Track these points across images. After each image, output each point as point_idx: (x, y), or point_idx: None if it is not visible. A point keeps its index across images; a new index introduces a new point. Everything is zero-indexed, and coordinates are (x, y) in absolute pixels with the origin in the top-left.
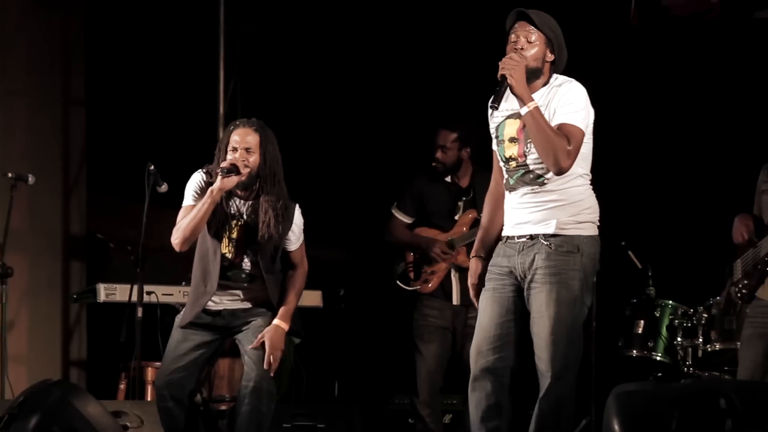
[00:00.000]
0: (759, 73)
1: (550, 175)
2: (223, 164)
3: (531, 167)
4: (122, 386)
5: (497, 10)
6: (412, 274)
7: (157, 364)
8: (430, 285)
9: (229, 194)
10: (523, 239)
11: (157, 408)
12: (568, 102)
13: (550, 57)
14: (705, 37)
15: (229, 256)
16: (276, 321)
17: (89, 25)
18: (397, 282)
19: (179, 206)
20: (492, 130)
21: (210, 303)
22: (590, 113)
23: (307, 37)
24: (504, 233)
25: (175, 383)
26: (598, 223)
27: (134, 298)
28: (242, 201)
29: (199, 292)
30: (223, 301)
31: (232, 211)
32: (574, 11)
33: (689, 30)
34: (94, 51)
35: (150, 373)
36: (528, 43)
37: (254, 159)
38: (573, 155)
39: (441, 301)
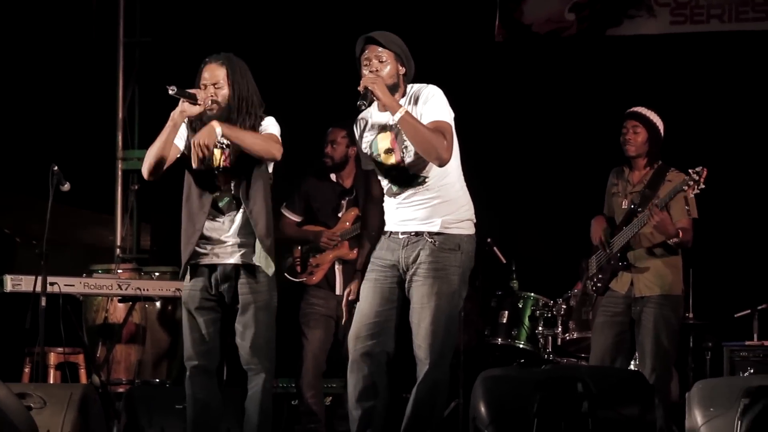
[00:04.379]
0: (612, 84)
1: (429, 174)
2: (187, 90)
3: (411, 171)
4: (27, 370)
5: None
6: (299, 268)
7: (60, 349)
8: (314, 277)
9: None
10: (408, 235)
11: (186, 384)
12: (430, 102)
13: (402, 70)
14: (563, 51)
15: (219, 185)
16: (213, 122)
17: None
18: (285, 275)
19: (82, 204)
20: (366, 150)
21: (202, 254)
22: (452, 111)
23: (200, 48)
24: (387, 229)
25: (204, 356)
26: (475, 220)
27: (38, 288)
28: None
29: (189, 233)
30: (214, 251)
31: (215, 142)
32: (443, 29)
33: (548, 45)
34: None
35: (53, 358)
36: (380, 63)
37: (223, 93)
38: (450, 147)
39: (325, 291)
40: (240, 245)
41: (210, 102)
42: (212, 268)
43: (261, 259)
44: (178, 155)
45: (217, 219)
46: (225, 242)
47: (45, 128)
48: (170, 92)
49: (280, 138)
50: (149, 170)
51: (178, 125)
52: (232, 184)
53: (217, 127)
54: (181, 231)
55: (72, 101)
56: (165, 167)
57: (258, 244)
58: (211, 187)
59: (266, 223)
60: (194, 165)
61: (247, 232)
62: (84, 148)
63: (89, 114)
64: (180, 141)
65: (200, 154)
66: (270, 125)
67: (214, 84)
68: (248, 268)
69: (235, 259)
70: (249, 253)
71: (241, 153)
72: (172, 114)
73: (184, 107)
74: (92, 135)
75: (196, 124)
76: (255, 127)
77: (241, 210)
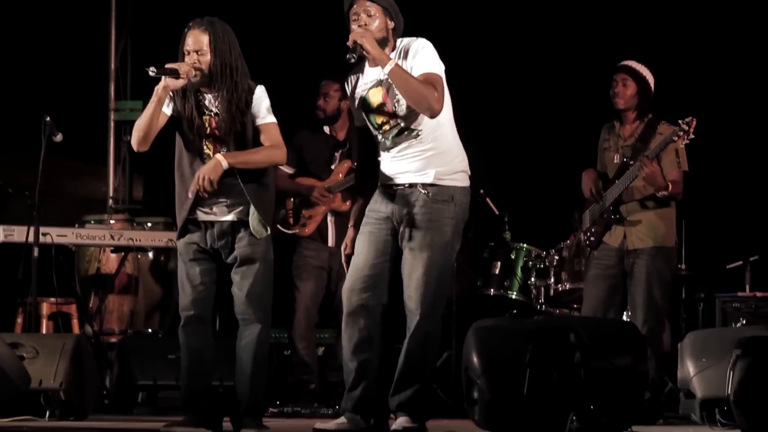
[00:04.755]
0: (605, 35)
1: (422, 126)
2: (167, 65)
3: (403, 124)
4: (19, 320)
5: None
6: (291, 220)
7: (52, 299)
8: (307, 229)
9: (198, 93)
10: (402, 187)
11: (180, 334)
12: (420, 55)
13: (391, 24)
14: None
15: (209, 152)
16: (218, 155)
17: None
18: (278, 226)
19: (73, 155)
20: (357, 106)
21: (197, 212)
22: (442, 64)
23: None
24: (381, 182)
25: (199, 305)
26: (469, 172)
27: (31, 238)
28: (211, 96)
29: (182, 198)
30: (210, 210)
31: (203, 109)
32: None
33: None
34: None
35: (45, 308)
36: (369, 17)
37: (206, 59)
38: (441, 99)
39: (318, 243)
40: (235, 204)
41: (193, 72)
42: (208, 224)
43: (255, 222)
44: (166, 121)
45: None
46: (219, 202)
47: (37, 79)
48: (150, 74)
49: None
50: (137, 143)
51: (163, 100)
52: (222, 151)
53: (222, 162)
54: (175, 194)
55: (64, 52)
56: (153, 137)
57: (252, 208)
58: (201, 151)
59: (258, 189)
60: (190, 195)
61: (241, 190)
62: (76, 99)
63: (81, 65)
64: (166, 108)
65: (203, 189)
66: (261, 100)
67: (197, 51)
68: (245, 224)
69: (230, 216)
70: (245, 210)
71: (230, 121)
72: (156, 89)
73: (167, 82)
74: (84, 86)
75: (187, 91)
76: (241, 98)
77: (235, 175)
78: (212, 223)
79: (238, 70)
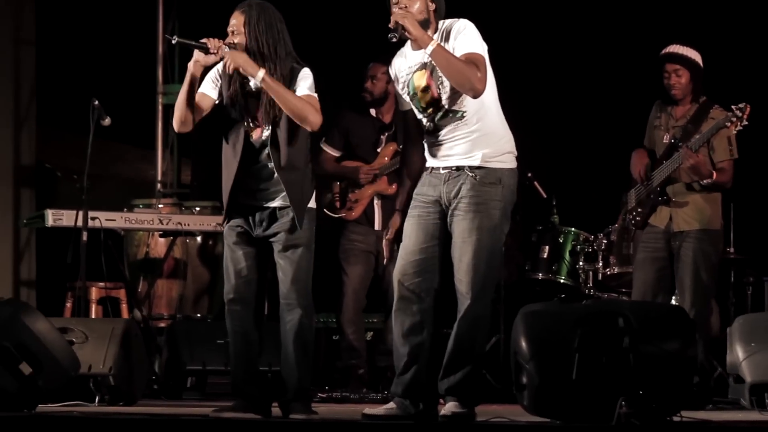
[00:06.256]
0: (649, 14)
1: (467, 108)
2: (200, 41)
3: (448, 106)
4: (68, 305)
5: None
6: (338, 203)
7: (101, 284)
8: (354, 212)
9: (242, 75)
10: (449, 170)
11: (226, 318)
12: (462, 35)
13: (432, 6)
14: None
15: (252, 134)
16: (262, 69)
17: None
18: (325, 210)
19: (122, 138)
20: (402, 90)
21: (242, 196)
22: (484, 44)
23: None
24: (429, 165)
25: (242, 287)
26: (516, 153)
27: (80, 223)
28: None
29: (226, 182)
30: (254, 195)
31: (246, 91)
32: None
33: None
34: None
35: (94, 293)
36: (409, 0)
37: (239, 39)
38: (484, 79)
39: (365, 226)
40: (277, 190)
41: (225, 48)
42: (252, 208)
43: (298, 209)
44: (213, 106)
45: (254, 166)
46: (263, 188)
47: (85, 63)
48: (173, 42)
49: (317, 103)
50: (177, 123)
51: (196, 76)
52: (265, 133)
53: (259, 71)
54: (222, 179)
55: (112, 35)
56: (197, 118)
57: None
58: (244, 134)
59: (300, 181)
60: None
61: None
62: (124, 83)
63: (129, 48)
64: (213, 91)
65: (216, 45)
66: (303, 79)
67: (232, 31)
68: (287, 209)
69: (273, 202)
70: (286, 196)
71: (269, 102)
72: (188, 65)
73: (197, 57)
74: (132, 69)
75: (232, 75)
76: (280, 80)
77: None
78: (255, 208)
79: (274, 52)
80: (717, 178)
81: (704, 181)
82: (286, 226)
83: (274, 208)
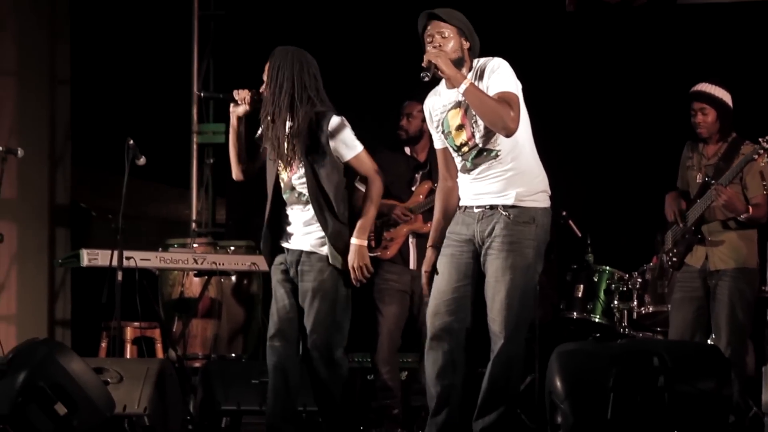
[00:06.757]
0: (683, 55)
1: (501, 147)
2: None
3: (482, 145)
4: (103, 344)
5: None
6: (373, 242)
7: (136, 324)
8: (389, 251)
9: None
10: (482, 209)
11: (267, 354)
12: (496, 74)
13: (466, 45)
14: (634, 20)
15: (282, 175)
16: (352, 239)
17: (74, 10)
18: None
19: (157, 178)
20: (437, 128)
21: (284, 243)
22: (518, 83)
23: (275, 21)
24: (462, 203)
25: (284, 324)
26: (549, 192)
27: (114, 262)
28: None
29: (264, 222)
30: (287, 236)
31: (275, 130)
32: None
33: (620, 14)
34: (78, 34)
35: (129, 333)
36: (443, 39)
37: (263, 87)
38: (517, 118)
39: (400, 266)
40: (307, 234)
41: (253, 97)
42: (287, 249)
43: (330, 253)
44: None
45: (288, 208)
46: (293, 231)
47: (121, 102)
48: (201, 95)
49: (361, 153)
50: (234, 173)
51: (235, 126)
52: (295, 175)
53: (361, 242)
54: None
55: (147, 75)
56: (253, 165)
57: (327, 240)
58: (277, 174)
59: (333, 224)
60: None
61: (314, 222)
62: (159, 122)
63: (164, 88)
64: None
65: (361, 275)
66: (338, 134)
67: (263, 80)
68: (313, 255)
69: (302, 246)
70: (315, 241)
71: (290, 146)
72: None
73: (231, 108)
74: (167, 109)
75: (265, 117)
76: (303, 125)
77: (308, 204)
78: (288, 250)
79: (295, 97)
80: (753, 213)
81: (741, 217)
82: (310, 274)
83: (301, 251)
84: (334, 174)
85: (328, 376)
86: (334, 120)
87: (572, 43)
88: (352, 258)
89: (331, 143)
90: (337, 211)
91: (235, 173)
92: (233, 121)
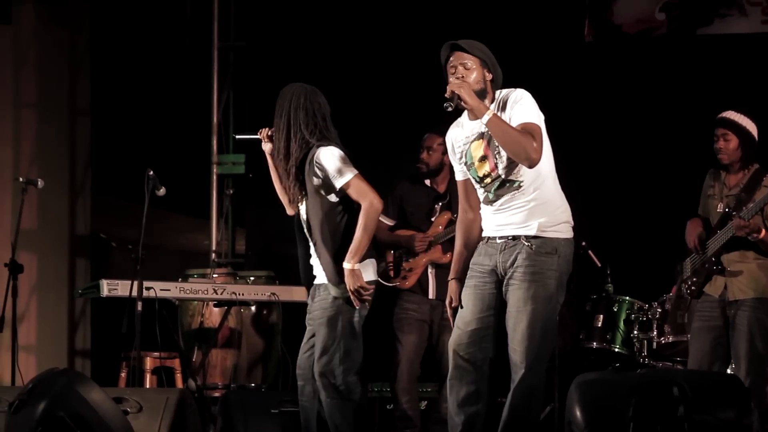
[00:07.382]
0: (703, 84)
1: (524, 177)
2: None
3: (504, 176)
4: (123, 374)
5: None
6: (392, 272)
7: (156, 354)
8: (408, 281)
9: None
10: (505, 239)
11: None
12: (518, 105)
13: (489, 76)
14: (653, 51)
15: (300, 206)
16: (344, 264)
17: (94, 42)
18: (379, 279)
19: (177, 209)
20: (459, 159)
21: (306, 271)
22: (541, 114)
23: (295, 52)
24: (485, 234)
25: (306, 359)
26: (572, 223)
27: (134, 293)
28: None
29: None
30: (313, 270)
31: (282, 172)
32: (532, 30)
33: (638, 45)
34: (98, 66)
35: (149, 363)
36: (466, 70)
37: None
38: (539, 149)
39: (419, 296)
40: (318, 266)
41: (269, 135)
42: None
43: (332, 286)
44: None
45: (305, 242)
46: (314, 264)
47: (140, 133)
48: (236, 138)
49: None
50: (287, 207)
51: (270, 163)
52: (305, 218)
53: (350, 266)
54: None
55: (167, 106)
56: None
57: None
58: (298, 213)
59: (331, 260)
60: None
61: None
62: (179, 153)
63: (184, 118)
64: None
65: (362, 296)
66: (326, 166)
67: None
68: (321, 286)
69: (319, 278)
70: (322, 274)
71: (292, 183)
72: None
73: (262, 145)
74: (187, 139)
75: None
76: (297, 161)
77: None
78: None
79: (291, 135)
80: None
81: (752, 236)
82: (314, 307)
83: (316, 285)
84: (327, 205)
85: (334, 403)
86: (321, 152)
87: (592, 73)
88: (347, 283)
89: (321, 175)
90: (333, 242)
91: (287, 208)
92: (268, 157)
